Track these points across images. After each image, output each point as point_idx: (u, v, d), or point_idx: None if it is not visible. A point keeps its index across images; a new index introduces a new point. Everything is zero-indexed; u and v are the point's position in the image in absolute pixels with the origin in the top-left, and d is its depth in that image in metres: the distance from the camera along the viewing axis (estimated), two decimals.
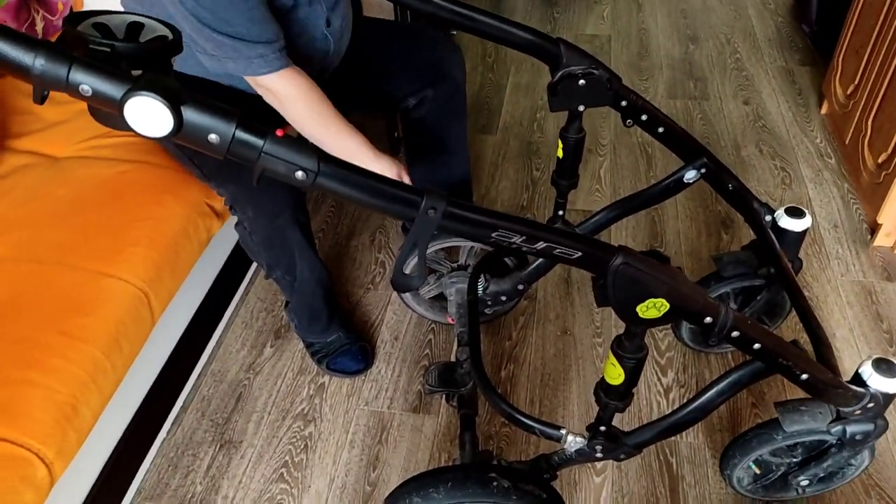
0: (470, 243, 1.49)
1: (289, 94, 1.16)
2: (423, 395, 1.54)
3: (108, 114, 0.71)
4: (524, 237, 0.76)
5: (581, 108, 1.21)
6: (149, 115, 0.63)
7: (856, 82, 1.97)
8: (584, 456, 1.12)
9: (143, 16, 0.74)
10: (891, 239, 1.81)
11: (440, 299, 1.66)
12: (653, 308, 0.83)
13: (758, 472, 1.29)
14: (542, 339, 1.65)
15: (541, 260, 1.42)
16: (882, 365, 1.05)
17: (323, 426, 1.50)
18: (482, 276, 1.43)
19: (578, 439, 1.11)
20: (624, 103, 1.22)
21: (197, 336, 1.56)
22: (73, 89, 0.62)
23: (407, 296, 1.61)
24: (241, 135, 0.66)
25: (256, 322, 1.73)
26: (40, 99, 0.63)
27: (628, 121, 1.26)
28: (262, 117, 0.74)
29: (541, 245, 0.77)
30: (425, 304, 1.65)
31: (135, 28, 0.72)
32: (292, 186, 1.42)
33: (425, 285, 1.63)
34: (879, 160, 1.79)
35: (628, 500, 1.35)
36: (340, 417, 1.52)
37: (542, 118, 2.30)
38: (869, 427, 1.09)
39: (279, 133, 0.67)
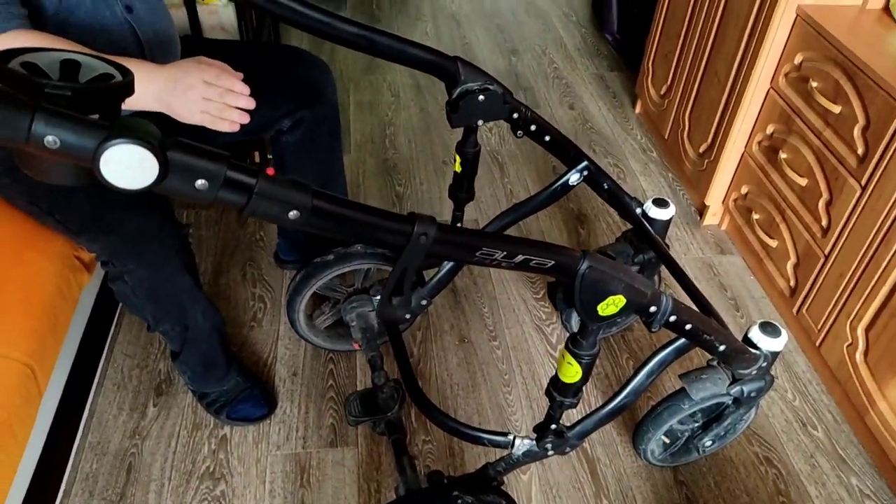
0: (367, 266, 1.47)
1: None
2: (336, 428, 1.49)
3: (47, 165, 0.62)
4: (505, 253, 0.78)
5: (480, 122, 1.25)
6: (130, 164, 0.56)
7: (668, 83, 2.23)
8: (531, 456, 1.16)
9: (73, 52, 0.65)
10: (717, 217, 2.07)
11: (336, 327, 1.62)
12: (611, 305, 0.89)
13: (667, 441, 1.42)
14: (443, 350, 1.67)
15: (441, 274, 1.44)
16: (767, 328, 1.20)
17: (235, 481, 1.39)
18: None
19: (526, 441, 1.14)
20: (515, 115, 1.28)
21: (72, 406, 1.38)
22: (34, 143, 0.53)
23: (302, 327, 1.55)
24: (233, 177, 0.60)
25: (130, 382, 1.56)
26: None
27: (519, 132, 1.32)
28: None
29: (519, 258, 0.79)
30: (322, 334, 1.60)
31: (70, 67, 0.63)
32: (177, 229, 1.30)
33: (320, 315, 1.58)
34: (700, 150, 2.03)
35: (557, 491, 1.41)
36: (253, 468, 1.42)
37: (393, 134, 2.32)
38: (761, 384, 1.25)
39: (270, 172, 0.63)
